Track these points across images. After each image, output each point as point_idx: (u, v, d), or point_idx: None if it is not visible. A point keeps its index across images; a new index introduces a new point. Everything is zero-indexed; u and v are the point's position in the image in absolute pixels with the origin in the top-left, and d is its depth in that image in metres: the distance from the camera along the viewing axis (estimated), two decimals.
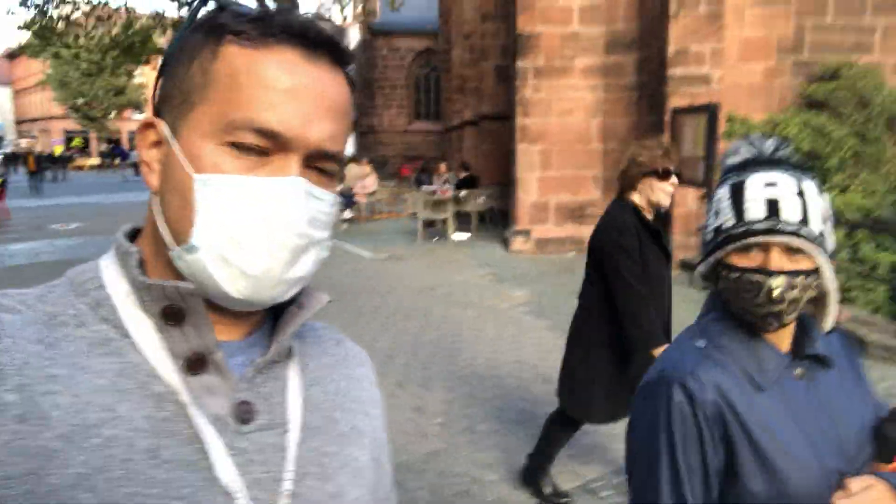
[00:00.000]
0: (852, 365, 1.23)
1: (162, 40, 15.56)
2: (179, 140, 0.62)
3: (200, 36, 0.62)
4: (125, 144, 45.08)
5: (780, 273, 1.05)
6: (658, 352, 2.60)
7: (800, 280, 1.06)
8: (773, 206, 1.06)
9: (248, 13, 0.62)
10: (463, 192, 12.19)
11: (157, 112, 0.65)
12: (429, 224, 12.09)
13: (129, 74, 37.80)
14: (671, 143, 2.97)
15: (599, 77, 9.50)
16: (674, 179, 2.73)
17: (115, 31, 16.57)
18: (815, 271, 1.07)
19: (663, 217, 3.01)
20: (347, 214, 13.72)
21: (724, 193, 1.13)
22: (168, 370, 0.61)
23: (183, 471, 0.59)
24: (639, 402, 1.18)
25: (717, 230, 1.12)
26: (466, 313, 6.76)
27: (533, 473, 3.40)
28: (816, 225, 1.07)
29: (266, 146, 0.60)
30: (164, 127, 0.63)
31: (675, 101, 8.12)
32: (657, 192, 2.74)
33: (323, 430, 0.70)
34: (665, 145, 2.80)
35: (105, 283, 0.64)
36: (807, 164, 1.13)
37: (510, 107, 10.21)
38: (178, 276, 0.63)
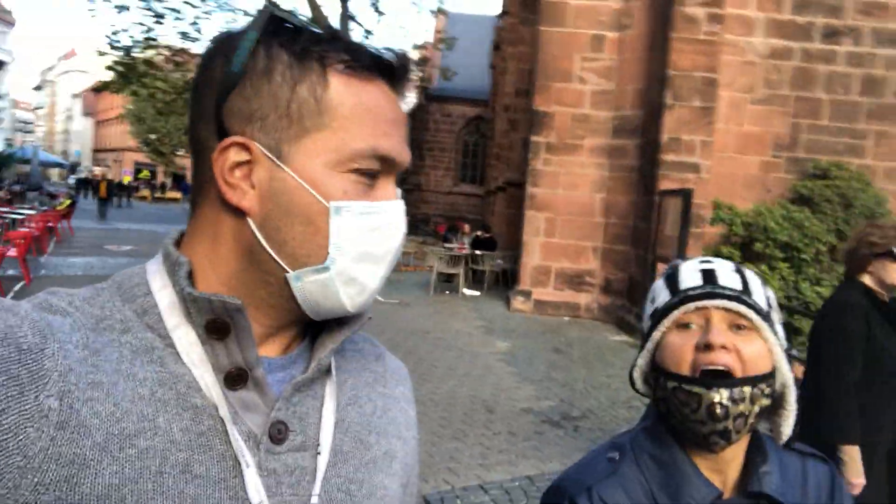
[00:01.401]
0: None
1: None
2: (290, 164, 0.63)
3: (290, 59, 0.63)
4: (188, 180, 47.75)
5: (721, 385, 0.89)
6: (850, 452, 2.42)
7: (747, 391, 0.89)
8: (709, 275, 0.97)
9: (337, 41, 0.65)
10: (479, 252, 12.99)
11: (229, 130, 0.63)
12: (446, 279, 12.89)
13: None
14: None
15: (605, 157, 10.31)
16: None
17: (189, 75, 18.35)
18: (769, 376, 0.92)
19: None
20: None
21: (658, 283, 1.04)
22: (209, 383, 0.61)
23: (212, 488, 0.59)
24: None
25: (654, 313, 1.01)
26: (448, 354, 7.47)
27: None
28: (760, 299, 0.96)
29: (378, 170, 0.65)
30: (260, 148, 0.63)
31: (666, 184, 8.84)
32: (892, 274, 2.54)
33: (353, 455, 0.70)
34: None
35: (152, 290, 0.64)
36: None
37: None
38: (227, 289, 0.64)
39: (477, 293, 12.53)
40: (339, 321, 0.70)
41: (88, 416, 0.55)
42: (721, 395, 0.89)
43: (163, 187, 46.76)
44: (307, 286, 0.64)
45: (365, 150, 0.63)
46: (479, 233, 14.31)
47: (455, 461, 4.44)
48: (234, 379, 0.62)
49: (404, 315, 9.75)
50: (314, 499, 0.64)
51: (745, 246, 8.78)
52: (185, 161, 48.95)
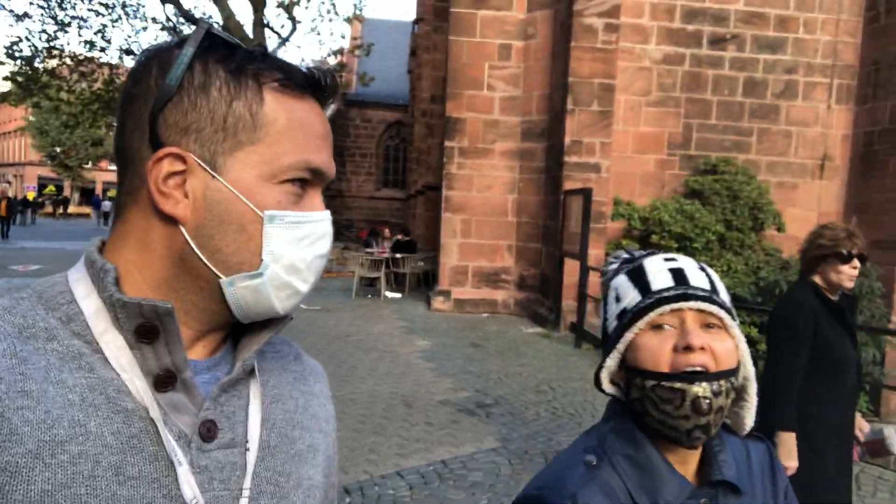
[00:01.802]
0: (774, 483, 1.06)
1: None
2: (225, 176, 0.65)
3: (227, 75, 0.66)
4: (99, 194, 45.81)
5: (703, 379, 0.91)
6: (785, 438, 2.65)
7: (724, 384, 0.93)
8: (679, 275, 0.98)
9: (271, 59, 0.69)
10: (399, 255, 13.27)
11: (164, 140, 0.65)
12: (368, 283, 13.09)
13: (109, 126, 38.90)
14: (855, 226, 2.90)
15: (515, 159, 10.81)
16: (856, 263, 2.68)
17: (96, 85, 17.76)
18: (736, 370, 0.95)
19: (850, 299, 2.95)
20: None
21: (621, 280, 1.04)
22: (138, 387, 0.62)
23: (146, 488, 0.60)
24: None
25: (622, 313, 1.00)
26: (369, 355, 7.71)
27: None
28: (726, 297, 1.00)
29: (309, 182, 0.69)
30: (195, 159, 0.65)
31: (570, 184, 9.39)
32: (839, 275, 2.69)
33: (280, 449, 0.72)
34: (850, 228, 2.74)
35: (76, 298, 0.64)
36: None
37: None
38: (156, 294, 0.65)
39: (399, 295, 12.80)
40: (261, 324, 0.73)
41: (20, 425, 0.55)
42: (704, 389, 0.91)
43: (65, 202, 44.64)
44: (239, 291, 0.67)
45: (297, 163, 0.67)
46: (399, 236, 14.59)
47: (374, 453, 4.70)
48: (163, 381, 0.64)
49: (327, 320, 9.91)
50: (245, 492, 0.66)
51: (643, 239, 9.44)
52: (94, 174, 46.95)
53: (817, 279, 2.79)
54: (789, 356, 2.72)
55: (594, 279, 9.25)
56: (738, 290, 8.39)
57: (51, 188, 48.04)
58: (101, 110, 18.22)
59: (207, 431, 0.65)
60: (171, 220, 0.66)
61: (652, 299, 0.97)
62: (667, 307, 0.95)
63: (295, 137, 0.67)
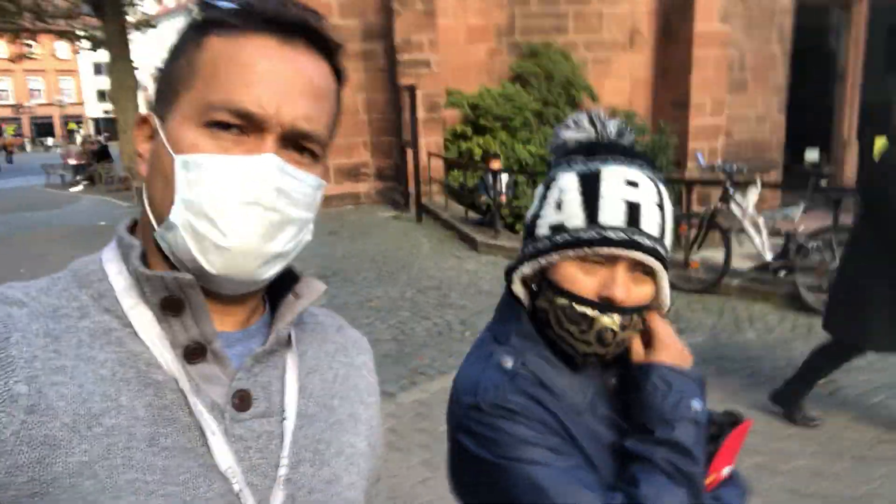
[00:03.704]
0: None
1: None
2: (166, 128, 0.65)
3: (189, 33, 0.66)
4: None
5: (615, 310, 0.91)
6: None
7: (634, 319, 0.93)
8: (633, 213, 0.91)
9: (230, 7, 0.65)
10: None
11: (153, 110, 0.67)
12: None
13: None
14: None
15: (361, 60, 11.66)
16: None
17: None
18: (648, 306, 0.95)
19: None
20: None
21: (570, 183, 0.95)
22: (168, 359, 0.63)
23: (181, 457, 0.62)
24: (466, 439, 0.95)
25: (558, 228, 0.94)
26: None
27: (787, 398, 3.77)
28: (668, 239, 0.95)
29: (242, 125, 0.63)
30: (154, 119, 0.67)
31: (406, 80, 10.44)
32: None
33: (319, 418, 0.73)
34: None
35: (107, 275, 0.66)
36: (652, 158, 1.00)
37: None
38: (176, 266, 0.65)
39: None
40: (297, 294, 0.73)
41: (55, 399, 0.57)
42: (614, 321, 0.91)
43: None
44: (167, 245, 0.65)
45: (217, 103, 0.62)
46: None
47: None
48: (193, 353, 0.65)
49: None
50: (284, 460, 0.67)
51: (474, 123, 10.73)
52: None
53: None
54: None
55: (436, 163, 10.58)
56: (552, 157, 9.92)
57: None
58: None
59: (241, 401, 0.66)
60: None
61: (596, 236, 0.91)
62: (606, 250, 0.91)
63: (221, 76, 0.63)
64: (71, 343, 0.61)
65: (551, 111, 10.78)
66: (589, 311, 0.92)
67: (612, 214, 0.91)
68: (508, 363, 0.97)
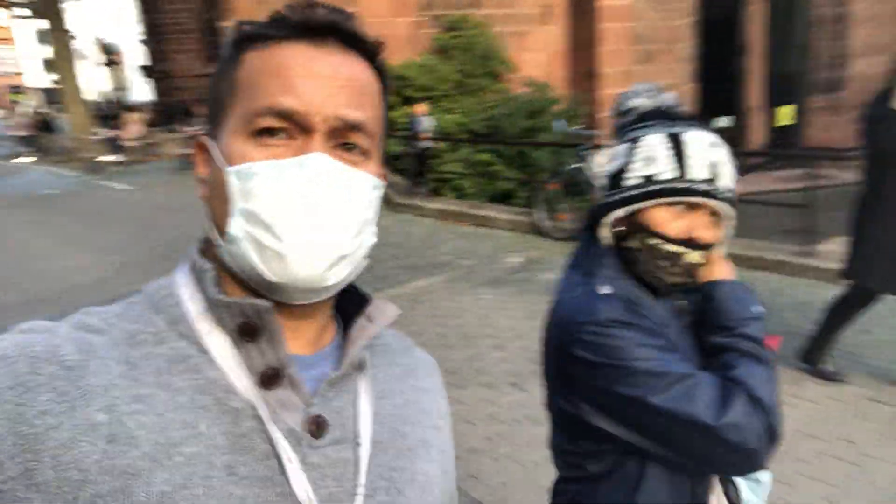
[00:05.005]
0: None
1: None
2: (218, 147, 0.66)
3: (228, 54, 0.68)
4: None
5: (699, 246, 1.11)
6: None
7: (707, 255, 1.15)
8: (714, 169, 1.10)
9: (261, 21, 0.66)
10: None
11: (207, 133, 0.69)
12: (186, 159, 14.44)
13: None
14: None
15: None
16: None
17: None
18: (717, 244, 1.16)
19: None
20: (117, 158, 15.77)
21: (658, 141, 1.13)
22: (245, 385, 0.63)
23: (259, 487, 0.61)
24: (584, 351, 1.11)
25: (649, 179, 1.12)
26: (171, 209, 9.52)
27: (812, 353, 3.91)
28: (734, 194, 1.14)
29: (287, 127, 0.63)
30: (207, 141, 0.68)
31: None
32: None
33: (391, 445, 0.71)
34: None
35: (181, 300, 0.66)
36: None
37: None
38: (251, 290, 0.65)
39: None
40: (369, 318, 0.72)
41: (135, 428, 0.57)
42: (699, 256, 1.13)
43: None
44: (231, 259, 0.65)
45: (260, 110, 0.63)
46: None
47: None
48: (269, 379, 0.64)
49: (143, 197, 11.43)
50: (360, 488, 0.65)
51: (399, 93, 11.43)
52: None
53: None
54: None
55: None
56: (472, 125, 10.76)
57: None
58: None
59: (317, 428, 0.65)
60: None
61: (685, 185, 1.10)
62: (692, 199, 1.10)
63: (262, 85, 0.64)
64: (149, 370, 0.61)
65: (471, 82, 11.54)
66: (679, 249, 1.11)
67: (699, 170, 1.10)
68: (607, 290, 1.14)
